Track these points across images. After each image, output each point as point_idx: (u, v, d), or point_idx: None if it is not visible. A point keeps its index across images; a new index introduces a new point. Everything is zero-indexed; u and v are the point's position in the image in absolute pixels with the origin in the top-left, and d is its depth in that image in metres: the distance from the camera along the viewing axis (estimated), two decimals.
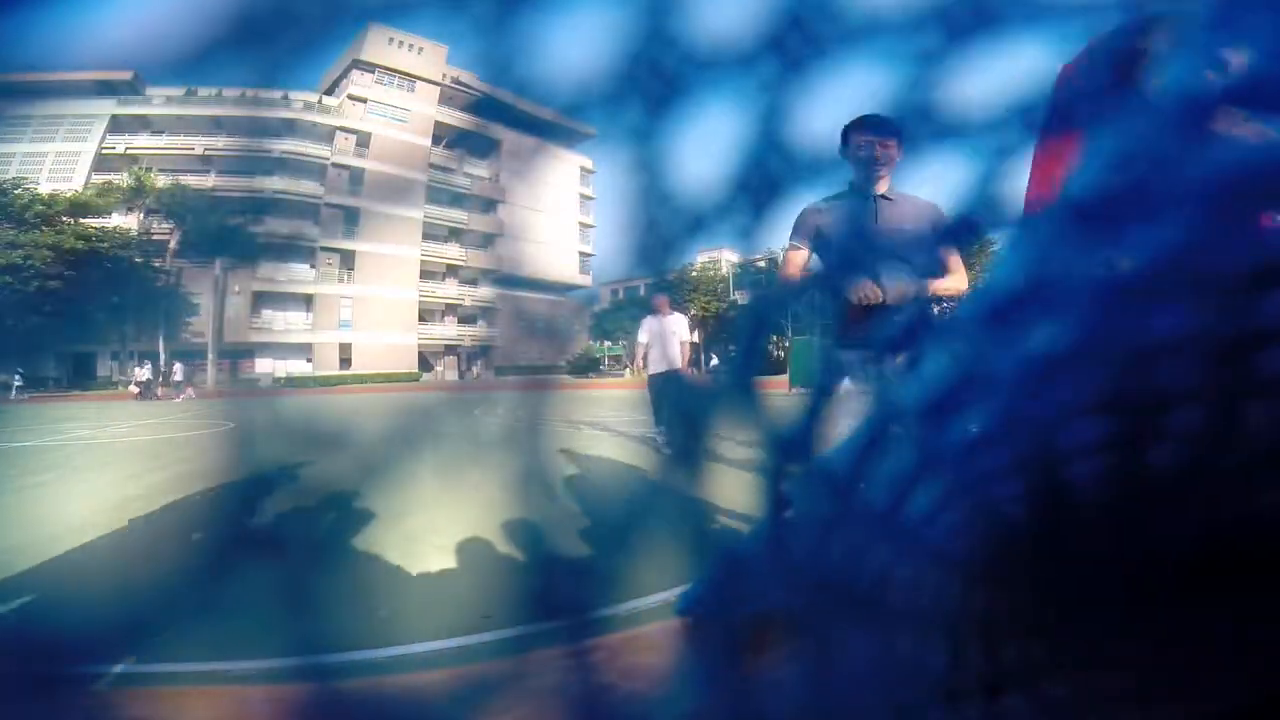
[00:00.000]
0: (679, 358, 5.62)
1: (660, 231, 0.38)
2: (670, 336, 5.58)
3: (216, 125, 35.23)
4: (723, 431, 0.35)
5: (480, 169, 42.78)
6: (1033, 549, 0.35)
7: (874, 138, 1.85)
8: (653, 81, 0.36)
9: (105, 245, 28.40)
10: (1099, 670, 0.37)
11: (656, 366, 5.65)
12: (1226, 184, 0.20)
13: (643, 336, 5.72)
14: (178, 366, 22.88)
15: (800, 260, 1.98)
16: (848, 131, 1.86)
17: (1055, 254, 0.24)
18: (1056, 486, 0.30)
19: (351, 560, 2.39)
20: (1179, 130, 0.21)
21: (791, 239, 1.98)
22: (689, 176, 0.37)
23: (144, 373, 22.02)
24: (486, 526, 2.89)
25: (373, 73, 37.83)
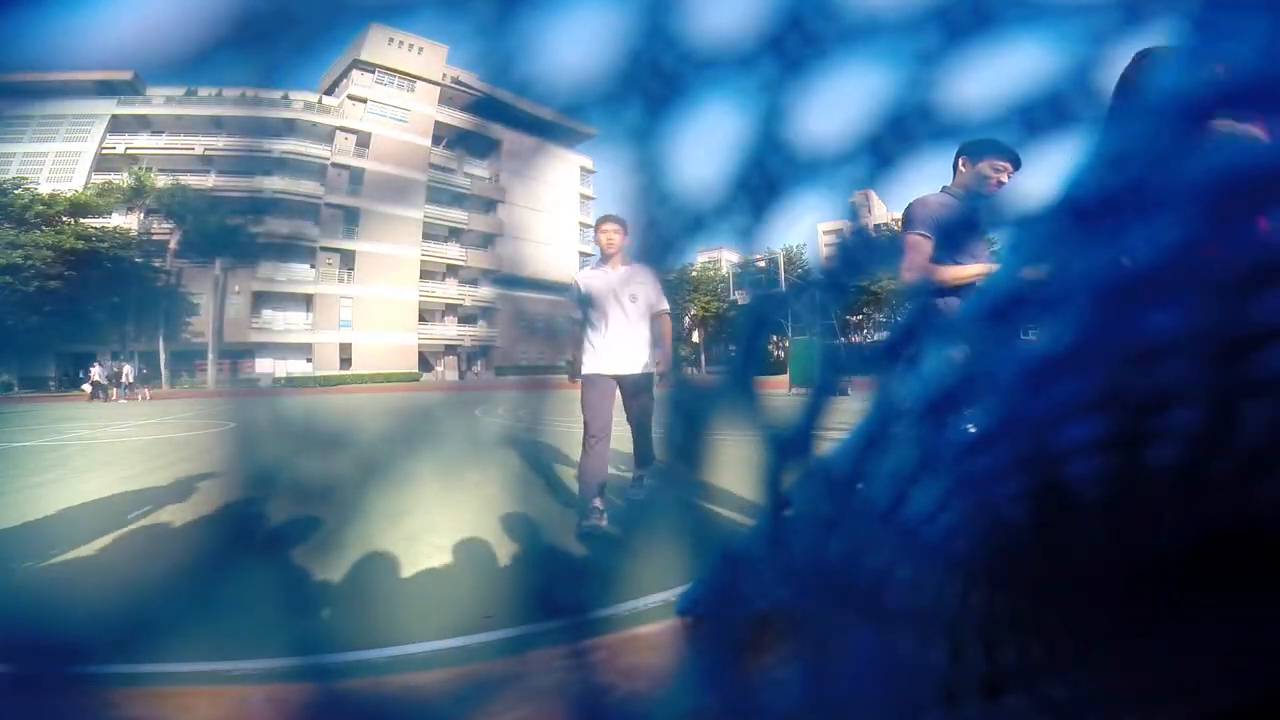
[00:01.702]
0: (646, 348, 2.84)
1: (660, 231, 0.38)
2: (629, 305, 2.84)
3: (216, 125, 35.27)
4: (723, 432, 0.35)
5: (480, 169, 42.82)
6: (1033, 549, 0.35)
7: (1009, 167, 2.01)
8: (653, 81, 0.36)
9: (105, 245, 28.45)
10: (1099, 670, 0.37)
11: (600, 364, 2.85)
12: (1225, 183, 0.20)
13: (577, 301, 2.98)
14: (127, 368, 23.03)
15: (927, 249, 2.05)
16: (982, 152, 2.01)
17: (1054, 253, 0.24)
18: (1056, 486, 0.30)
19: (351, 560, 2.39)
20: (1177, 129, 0.21)
21: (916, 229, 2.05)
22: (689, 176, 0.37)
23: (96, 374, 22.23)
24: (486, 527, 2.89)
25: (373, 73, 37.87)
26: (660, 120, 0.37)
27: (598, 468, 2.84)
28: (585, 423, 2.90)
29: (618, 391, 2.96)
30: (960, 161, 2.10)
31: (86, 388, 21.91)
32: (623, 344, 2.88)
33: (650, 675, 0.38)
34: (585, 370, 2.95)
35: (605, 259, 3.00)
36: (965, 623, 0.37)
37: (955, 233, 2.01)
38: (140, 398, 21.27)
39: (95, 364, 23.18)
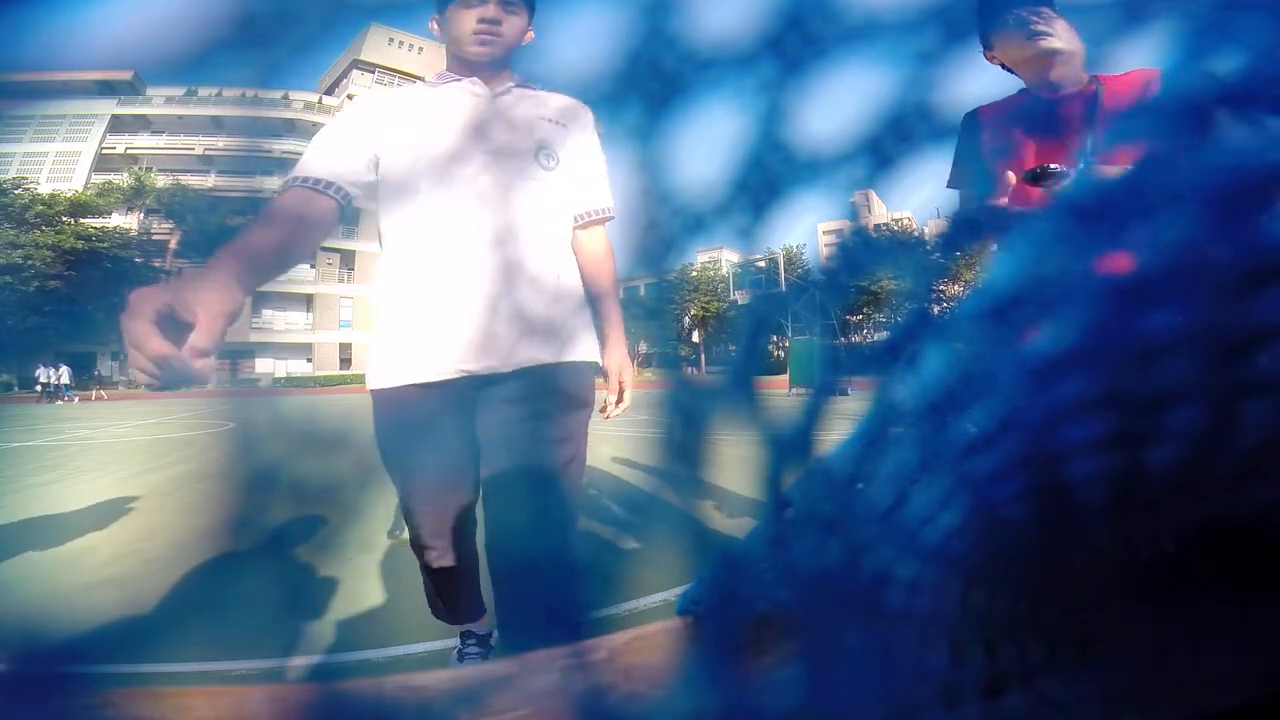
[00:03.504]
0: (567, 297, 1.11)
1: (660, 231, 0.38)
2: (519, 183, 1.05)
3: (216, 125, 35.29)
4: (723, 432, 0.35)
5: None
6: (1033, 549, 0.35)
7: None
8: (653, 81, 0.36)
9: (105, 245, 28.50)
10: (1099, 670, 0.37)
11: (430, 350, 1.03)
12: (1225, 183, 0.20)
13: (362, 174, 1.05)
14: (64, 370, 23.14)
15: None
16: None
17: (1054, 253, 0.24)
18: (1057, 486, 0.30)
19: (351, 560, 2.39)
20: (1177, 130, 0.21)
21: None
22: (689, 176, 0.37)
23: (41, 376, 22.51)
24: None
25: (373, 73, 37.89)
26: (660, 120, 0.37)
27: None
28: (406, 520, 1.24)
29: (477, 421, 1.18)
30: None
31: (37, 388, 22.30)
32: (497, 289, 1.08)
33: (650, 675, 0.38)
34: (379, 378, 1.15)
35: (468, 67, 1.15)
36: (965, 623, 0.37)
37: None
38: (78, 399, 21.43)
39: (40, 367, 23.29)
